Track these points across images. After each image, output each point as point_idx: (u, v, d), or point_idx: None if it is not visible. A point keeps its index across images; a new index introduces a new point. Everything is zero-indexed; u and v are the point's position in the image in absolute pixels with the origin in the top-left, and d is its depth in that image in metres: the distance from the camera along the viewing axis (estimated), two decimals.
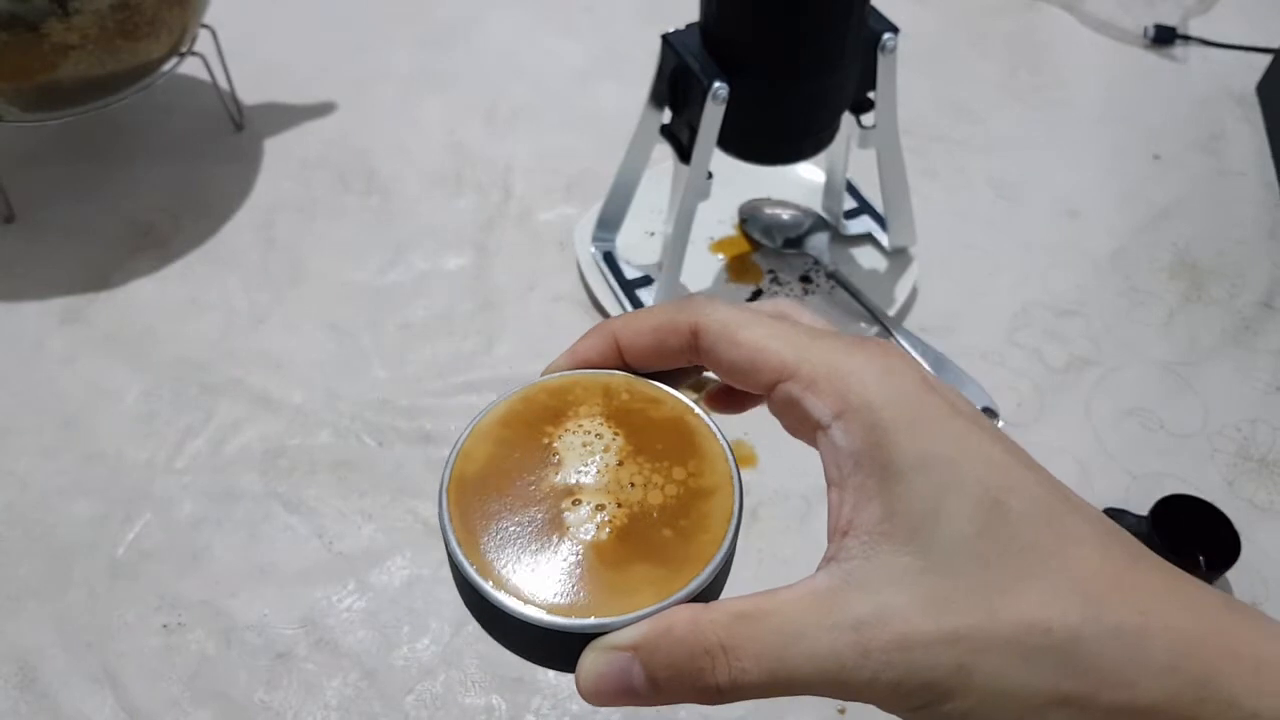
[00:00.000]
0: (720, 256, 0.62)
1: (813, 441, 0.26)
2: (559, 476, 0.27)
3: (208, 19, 0.66)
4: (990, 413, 0.54)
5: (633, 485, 0.27)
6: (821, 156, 0.54)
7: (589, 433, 0.28)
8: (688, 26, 0.50)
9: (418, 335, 0.59)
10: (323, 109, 0.73)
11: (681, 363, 0.29)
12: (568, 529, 0.26)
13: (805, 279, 0.61)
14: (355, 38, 0.79)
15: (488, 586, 0.25)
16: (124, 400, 0.55)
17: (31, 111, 0.60)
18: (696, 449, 0.28)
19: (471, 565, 0.26)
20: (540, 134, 0.72)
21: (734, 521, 0.26)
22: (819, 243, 0.62)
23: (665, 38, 0.50)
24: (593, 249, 0.61)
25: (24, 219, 0.65)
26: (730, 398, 0.31)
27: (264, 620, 0.47)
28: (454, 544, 0.26)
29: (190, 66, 0.67)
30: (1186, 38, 0.80)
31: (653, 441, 0.28)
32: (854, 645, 0.23)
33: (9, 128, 0.68)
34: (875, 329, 0.57)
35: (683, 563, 0.26)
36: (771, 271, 0.61)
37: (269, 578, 0.48)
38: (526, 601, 0.25)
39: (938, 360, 0.56)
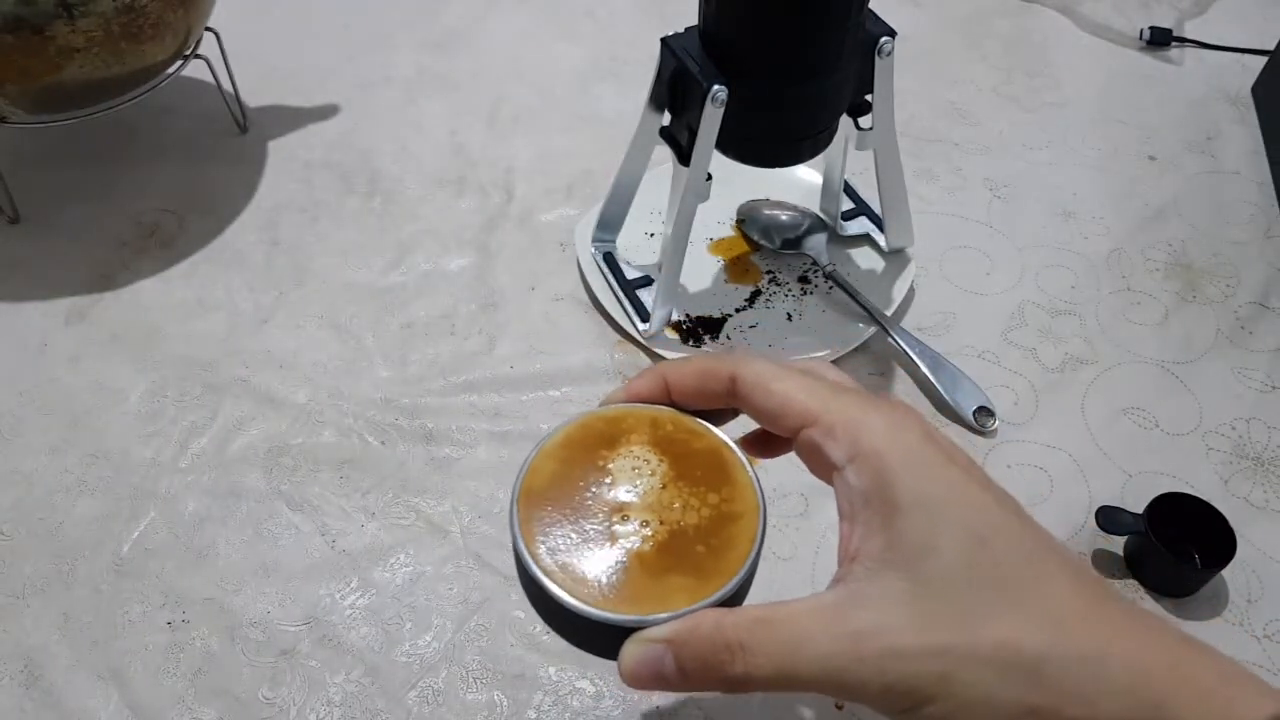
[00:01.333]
0: (719, 257, 0.63)
1: (829, 480, 0.30)
2: (611, 494, 0.32)
3: (212, 22, 0.66)
4: (986, 412, 0.54)
5: (674, 506, 0.31)
6: (819, 158, 0.55)
7: (638, 458, 0.33)
8: (687, 30, 0.50)
9: (420, 335, 0.59)
10: (326, 111, 0.74)
11: (720, 405, 0.33)
12: (617, 539, 0.31)
13: (803, 279, 0.61)
14: (358, 41, 0.80)
15: (548, 582, 0.30)
16: (129, 399, 0.56)
17: (37, 113, 0.61)
18: (729, 478, 0.32)
19: (535, 564, 0.30)
20: (541, 136, 0.72)
21: (757, 542, 0.31)
22: (817, 243, 0.62)
23: (664, 41, 0.50)
24: (593, 250, 0.62)
25: (30, 220, 0.66)
26: (764, 443, 0.35)
27: (267, 617, 0.47)
28: (521, 546, 0.30)
29: (195, 69, 0.68)
30: (1182, 40, 0.80)
31: (692, 469, 0.32)
32: (851, 652, 0.27)
33: (15, 129, 0.68)
34: (872, 328, 0.58)
35: (712, 574, 0.30)
36: (770, 272, 0.62)
37: (272, 575, 0.49)
38: (579, 597, 0.29)
39: (934, 360, 0.56)
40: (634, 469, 0.32)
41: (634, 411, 0.34)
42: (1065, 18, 0.83)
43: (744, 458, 0.33)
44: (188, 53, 0.65)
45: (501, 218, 0.66)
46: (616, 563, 0.30)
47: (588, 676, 0.45)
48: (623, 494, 0.32)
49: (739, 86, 0.47)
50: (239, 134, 0.72)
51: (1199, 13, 0.83)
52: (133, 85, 0.62)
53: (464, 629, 0.47)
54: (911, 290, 0.61)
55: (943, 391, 0.55)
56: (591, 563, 0.30)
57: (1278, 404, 0.56)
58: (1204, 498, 0.48)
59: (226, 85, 0.70)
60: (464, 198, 0.68)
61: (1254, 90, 0.76)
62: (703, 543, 0.31)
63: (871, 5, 0.49)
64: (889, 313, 0.58)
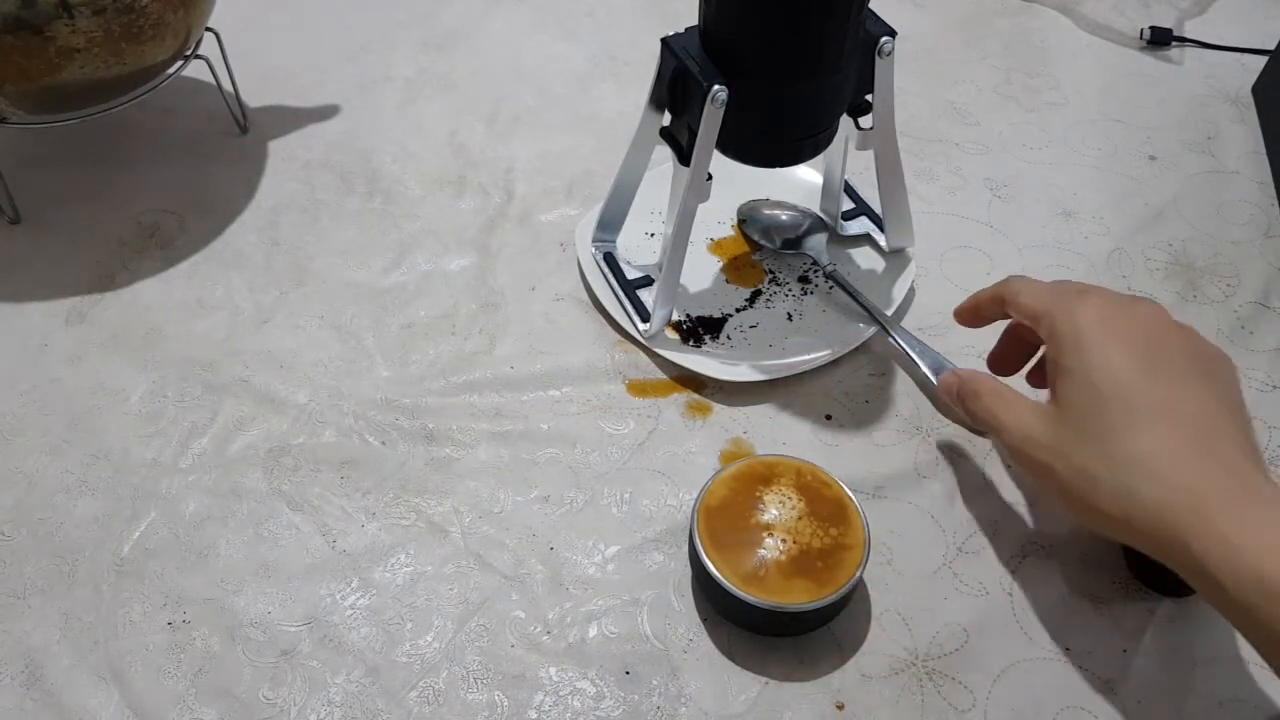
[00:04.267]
0: (719, 257, 0.63)
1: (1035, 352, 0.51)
2: (763, 517, 0.45)
3: (212, 22, 0.66)
4: None
5: (805, 532, 0.44)
6: (819, 158, 0.55)
7: (784, 495, 0.46)
8: (687, 30, 0.50)
9: (420, 335, 0.59)
10: (326, 111, 0.74)
11: (998, 315, 0.50)
12: (763, 548, 0.44)
13: (804, 279, 0.61)
14: (358, 41, 0.80)
15: (716, 572, 0.43)
16: (129, 399, 0.56)
17: (37, 113, 0.61)
18: (847, 519, 0.45)
19: (709, 559, 0.44)
20: (541, 136, 0.72)
21: (861, 568, 0.43)
22: (817, 243, 0.62)
23: (665, 41, 0.50)
24: (593, 250, 0.62)
25: (30, 220, 0.66)
26: (1004, 361, 0.53)
27: (268, 618, 0.47)
28: (699, 546, 0.44)
29: (195, 69, 0.68)
30: (1182, 40, 0.80)
31: (821, 509, 0.45)
32: (1032, 419, 0.43)
33: (15, 130, 0.68)
34: (873, 328, 0.58)
35: (825, 584, 0.43)
36: (770, 272, 0.62)
37: (273, 575, 0.49)
38: (733, 583, 0.43)
39: (935, 360, 0.56)
40: (780, 502, 0.45)
41: (785, 461, 0.47)
42: (1065, 18, 0.83)
43: (860, 507, 0.45)
44: (188, 53, 0.65)
45: (501, 218, 0.66)
46: (760, 564, 0.43)
47: (588, 677, 0.45)
48: (770, 518, 0.45)
49: (739, 86, 0.47)
50: (239, 134, 0.72)
51: (1199, 13, 0.83)
52: (133, 85, 0.62)
53: (464, 629, 0.47)
54: (912, 290, 0.61)
55: None
56: (744, 561, 0.43)
57: (1278, 404, 0.56)
58: None
59: (226, 85, 0.70)
60: (464, 198, 0.68)
61: (1254, 90, 0.76)
62: (821, 560, 0.43)
63: (871, 5, 0.49)
64: (889, 313, 0.58)
